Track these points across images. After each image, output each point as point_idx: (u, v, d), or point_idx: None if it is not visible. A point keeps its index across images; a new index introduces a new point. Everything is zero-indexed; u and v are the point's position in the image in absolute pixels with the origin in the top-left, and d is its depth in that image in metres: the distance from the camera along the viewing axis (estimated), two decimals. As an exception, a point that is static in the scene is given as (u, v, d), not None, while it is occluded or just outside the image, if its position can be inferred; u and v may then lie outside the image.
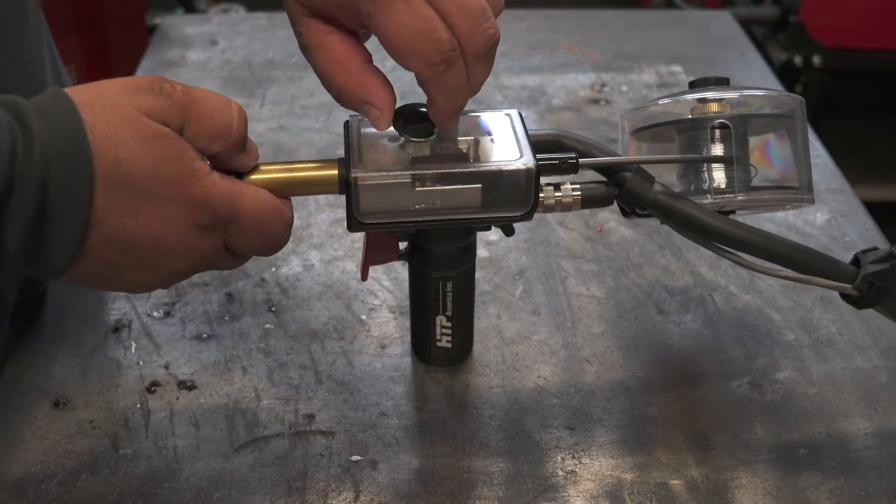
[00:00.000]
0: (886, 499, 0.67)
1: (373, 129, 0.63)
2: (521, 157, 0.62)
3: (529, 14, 1.41)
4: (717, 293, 0.85)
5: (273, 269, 0.87)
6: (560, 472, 0.68)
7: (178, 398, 0.74)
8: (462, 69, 0.56)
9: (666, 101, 0.65)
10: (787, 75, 2.00)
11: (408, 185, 0.60)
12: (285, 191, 0.61)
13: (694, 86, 0.65)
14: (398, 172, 0.60)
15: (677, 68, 1.25)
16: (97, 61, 1.85)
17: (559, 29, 1.36)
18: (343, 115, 0.65)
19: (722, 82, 0.65)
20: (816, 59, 2.06)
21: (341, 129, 0.65)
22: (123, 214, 0.52)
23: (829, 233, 0.92)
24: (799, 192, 0.64)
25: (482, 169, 0.60)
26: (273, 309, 0.83)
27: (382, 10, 0.55)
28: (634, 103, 1.17)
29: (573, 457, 0.70)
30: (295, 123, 1.09)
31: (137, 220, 0.53)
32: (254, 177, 0.60)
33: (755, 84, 0.99)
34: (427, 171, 0.60)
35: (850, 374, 0.77)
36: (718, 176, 0.63)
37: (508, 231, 0.67)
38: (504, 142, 0.63)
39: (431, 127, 0.61)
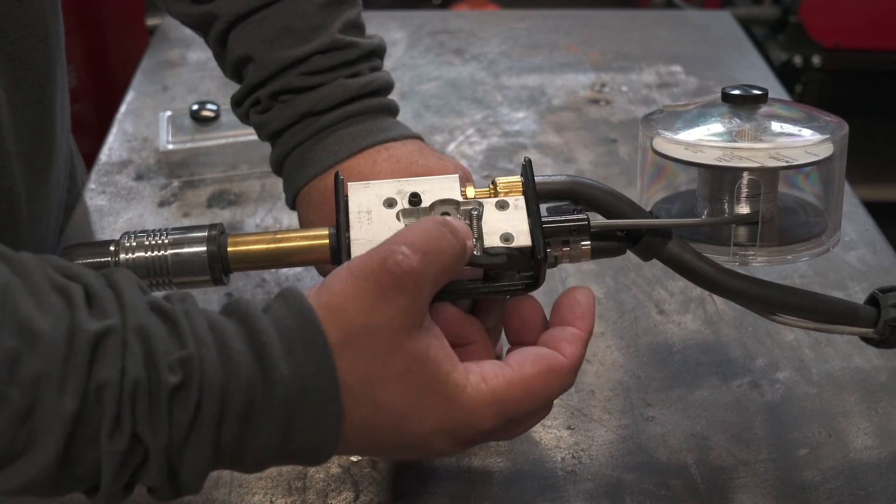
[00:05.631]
0: (886, 499, 0.66)
1: (365, 189, 0.59)
2: (527, 233, 0.57)
3: (529, 14, 1.41)
4: (716, 293, 0.85)
5: (273, 270, 0.87)
6: (560, 472, 0.68)
7: (178, 398, 0.74)
8: None
9: (689, 138, 0.61)
10: (787, 75, 2.00)
11: None
12: (272, 263, 0.60)
13: (728, 100, 0.62)
14: None
15: (677, 68, 1.25)
16: (97, 61, 1.85)
17: (559, 29, 1.36)
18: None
19: (760, 100, 0.61)
20: (816, 59, 2.06)
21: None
22: (370, 445, 0.53)
23: (829, 233, 0.92)
24: (826, 242, 0.62)
25: (482, 261, 0.56)
26: (273, 309, 0.83)
27: None
28: (650, 107, 1.17)
29: (573, 457, 0.70)
30: (295, 123, 1.09)
31: (386, 452, 0.54)
32: (240, 248, 0.59)
33: (753, 83, 0.99)
34: None
35: (850, 374, 0.77)
36: (742, 230, 0.61)
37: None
38: (511, 206, 0.58)
39: None
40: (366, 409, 0.50)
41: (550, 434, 0.71)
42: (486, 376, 0.52)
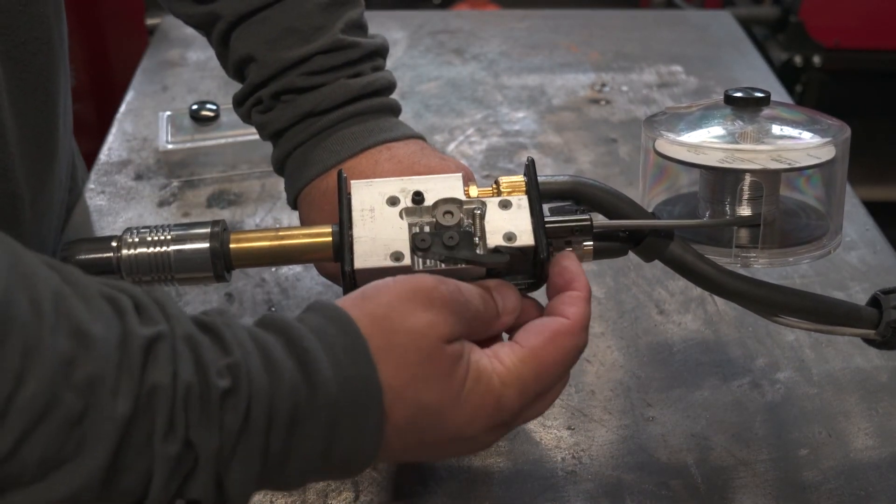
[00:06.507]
0: (886, 499, 0.67)
1: (368, 187, 0.58)
2: (530, 232, 0.57)
3: (529, 14, 1.41)
4: (717, 293, 0.85)
5: (273, 269, 0.87)
6: (560, 472, 0.68)
7: (178, 398, 0.74)
8: None
9: (691, 139, 0.61)
10: (787, 75, 2.00)
11: (408, 268, 0.56)
12: (275, 260, 0.60)
13: (730, 102, 0.62)
14: (397, 253, 0.56)
15: (677, 68, 1.25)
16: (97, 61, 1.84)
17: (559, 29, 1.36)
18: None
19: (763, 102, 0.61)
20: (816, 59, 2.06)
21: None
22: (411, 445, 0.53)
23: (829, 233, 0.92)
24: (827, 245, 0.62)
25: (484, 260, 0.56)
26: (273, 309, 0.83)
27: None
28: (651, 107, 1.17)
29: (573, 457, 0.70)
30: (295, 123, 1.09)
31: (425, 450, 0.54)
32: (242, 245, 0.59)
33: (754, 82, 0.99)
34: (427, 255, 0.56)
35: (850, 374, 0.77)
36: (743, 232, 0.61)
37: None
38: (514, 206, 0.58)
39: None
40: (410, 410, 0.50)
41: (550, 434, 0.71)
42: (501, 358, 0.53)
